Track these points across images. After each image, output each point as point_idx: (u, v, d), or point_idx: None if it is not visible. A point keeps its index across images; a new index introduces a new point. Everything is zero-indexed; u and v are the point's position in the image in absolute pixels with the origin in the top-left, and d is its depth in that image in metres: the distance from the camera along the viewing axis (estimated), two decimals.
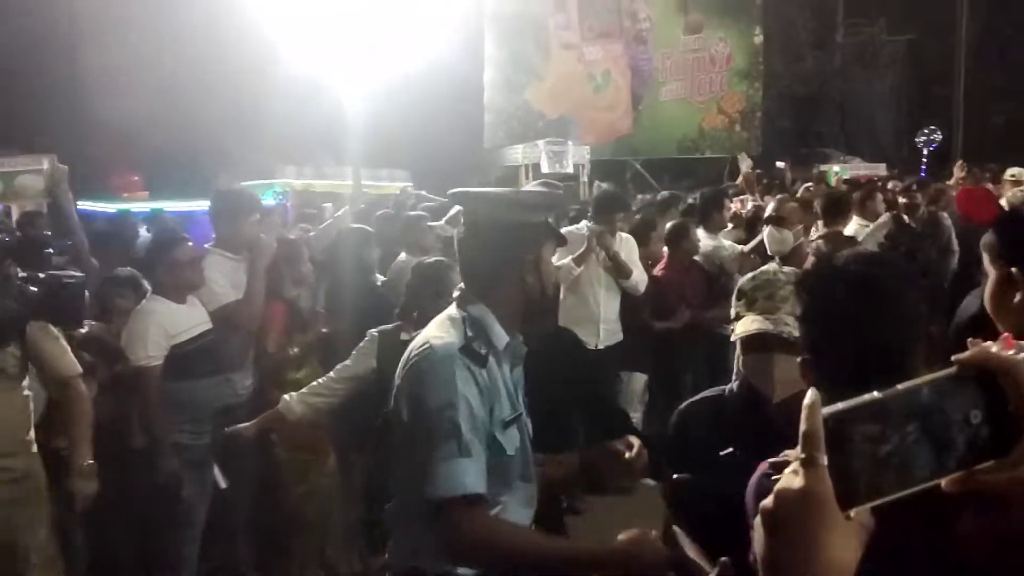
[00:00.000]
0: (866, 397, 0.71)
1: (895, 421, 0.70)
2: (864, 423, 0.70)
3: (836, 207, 5.87)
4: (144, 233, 8.43)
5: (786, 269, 2.16)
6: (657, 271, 5.57)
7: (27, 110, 13.65)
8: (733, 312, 2.12)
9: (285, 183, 11.82)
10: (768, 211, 4.05)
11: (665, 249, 5.73)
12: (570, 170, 14.14)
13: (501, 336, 1.93)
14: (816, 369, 1.35)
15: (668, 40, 19.63)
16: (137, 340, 3.74)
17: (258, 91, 13.07)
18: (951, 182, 9.64)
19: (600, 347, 5.01)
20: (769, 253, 4.19)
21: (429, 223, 5.69)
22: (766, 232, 4.04)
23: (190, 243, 4.10)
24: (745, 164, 7.58)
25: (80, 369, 3.32)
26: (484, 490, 1.81)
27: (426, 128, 14.34)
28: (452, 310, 1.98)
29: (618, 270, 5.06)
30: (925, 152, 20.80)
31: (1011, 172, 9.30)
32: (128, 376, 3.77)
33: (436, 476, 1.79)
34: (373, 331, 3.42)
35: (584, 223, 5.32)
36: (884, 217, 6.27)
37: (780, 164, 9.47)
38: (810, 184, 9.42)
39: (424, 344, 1.91)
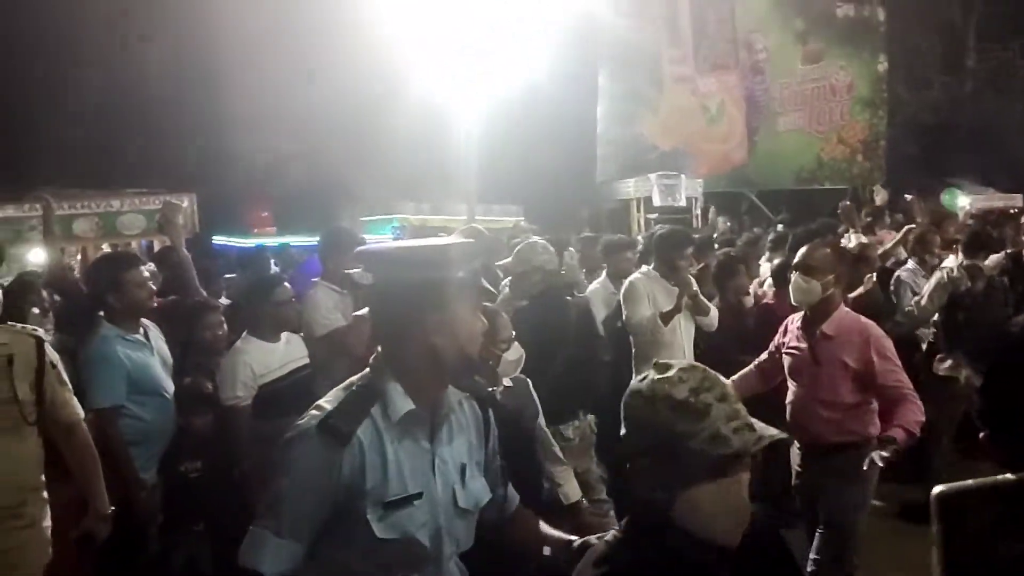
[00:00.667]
0: None
1: None
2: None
3: (976, 240, 5.75)
4: (273, 266, 8.87)
5: None
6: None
7: (167, 150, 14.67)
8: None
9: (403, 218, 12.26)
10: (798, 257, 3.80)
11: (765, 284, 5.67)
12: (683, 203, 14.03)
13: (398, 407, 1.77)
14: (1004, 447, 1.34)
15: (786, 70, 19.26)
16: (227, 380, 3.88)
17: (380, 129, 13.60)
18: None
19: None
20: (793, 303, 3.91)
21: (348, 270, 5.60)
22: (792, 279, 3.80)
23: (287, 284, 4.26)
24: (880, 197, 7.32)
25: (82, 413, 3.20)
26: (278, 572, 1.71)
27: (539, 162, 14.54)
28: (354, 377, 1.86)
29: (697, 308, 4.94)
30: None
31: None
32: (219, 415, 3.91)
33: (246, 541, 1.74)
34: None
35: (644, 267, 5.17)
36: (998, 256, 6.01)
37: (908, 197, 9.10)
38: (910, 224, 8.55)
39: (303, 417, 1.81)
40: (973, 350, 5.04)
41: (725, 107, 18.32)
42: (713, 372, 1.49)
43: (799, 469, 3.96)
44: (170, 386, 3.86)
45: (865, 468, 3.44)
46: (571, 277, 5.72)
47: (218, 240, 12.03)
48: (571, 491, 3.74)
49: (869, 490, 3.77)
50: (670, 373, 1.45)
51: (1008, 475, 1.36)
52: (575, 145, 16.12)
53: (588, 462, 4.41)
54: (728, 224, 10.06)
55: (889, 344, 3.74)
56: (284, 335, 4.08)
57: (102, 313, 3.76)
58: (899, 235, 7.44)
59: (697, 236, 6.68)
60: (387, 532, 1.74)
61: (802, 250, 3.92)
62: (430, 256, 1.82)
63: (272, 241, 11.28)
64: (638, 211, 14.17)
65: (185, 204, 10.59)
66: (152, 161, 13.89)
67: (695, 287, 4.83)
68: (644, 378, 1.50)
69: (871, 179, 20.42)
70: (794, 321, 3.99)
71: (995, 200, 15.99)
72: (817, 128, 19.82)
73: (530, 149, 14.24)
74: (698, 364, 1.51)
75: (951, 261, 5.76)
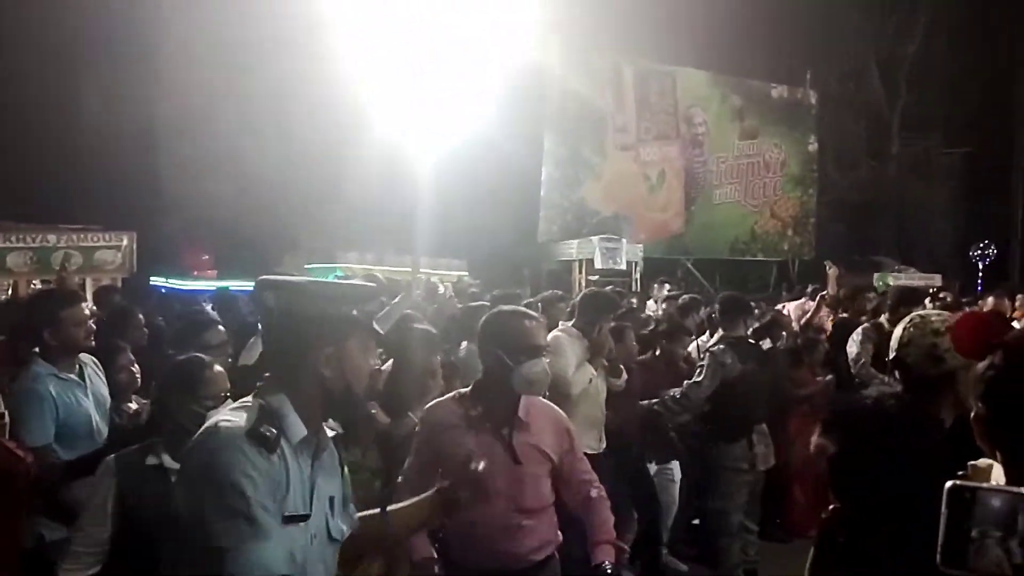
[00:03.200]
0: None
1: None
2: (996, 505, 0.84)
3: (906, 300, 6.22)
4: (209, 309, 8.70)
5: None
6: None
7: (107, 188, 14.43)
8: None
9: (346, 267, 12.25)
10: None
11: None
12: (623, 267, 14.36)
13: (297, 428, 1.83)
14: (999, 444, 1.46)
15: (723, 145, 20.08)
16: None
17: (325, 178, 13.65)
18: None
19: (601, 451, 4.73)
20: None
21: None
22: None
23: (220, 327, 4.10)
24: (833, 273, 7.73)
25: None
26: (287, 571, 1.73)
27: (484, 220, 14.75)
28: (247, 398, 1.89)
29: (612, 370, 5.02)
30: (980, 266, 20.68)
31: None
32: None
33: (239, 564, 1.67)
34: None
35: (562, 324, 5.14)
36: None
37: (828, 263, 9.51)
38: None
39: (208, 426, 1.80)
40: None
41: (665, 176, 18.94)
42: None
43: None
44: (104, 428, 3.69)
45: None
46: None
47: (156, 281, 11.83)
48: None
49: None
50: None
51: None
52: (520, 205, 16.43)
53: None
54: (668, 289, 10.37)
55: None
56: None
57: (37, 349, 3.60)
58: (815, 303, 7.85)
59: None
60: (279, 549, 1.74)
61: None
62: (328, 292, 1.94)
63: (211, 285, 11.13)
64: (580, 272, 14.45)
65: (124, 243, 10.48)
66: (91, 198, 13.63)
67: (608, 350, 4.89)
68: None
69: (801, 252, 21.28)
70: None
71: (915, 279, 16.75)
72: (751, 202, 20.65)
73: (476, 206, 14.46)
74: None
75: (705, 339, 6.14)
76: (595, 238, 14.47)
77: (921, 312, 2.53)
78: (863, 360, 6.29)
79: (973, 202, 24.75)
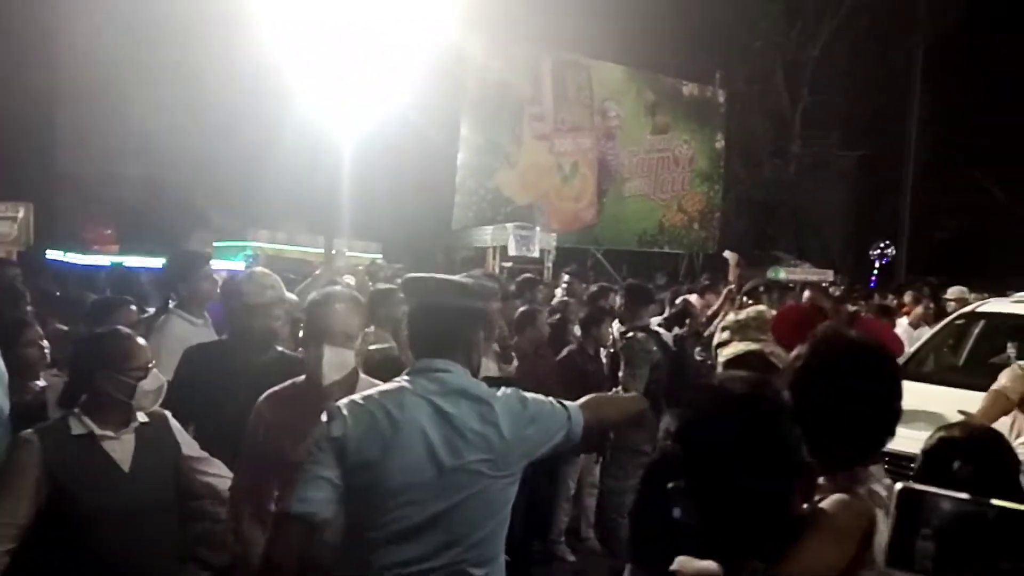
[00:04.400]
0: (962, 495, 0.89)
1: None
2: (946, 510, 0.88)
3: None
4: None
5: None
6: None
7: (4, 159, 13.74)
8: (718, 340, 2.47)
9: (257, 247, 11.98)
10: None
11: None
12: (536, 255, 14.57)
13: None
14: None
15: (635, 139, 20.55)
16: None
17: (233, 153, 13.33)
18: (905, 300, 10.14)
19: None
20: None
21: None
22: None
23: (132, 307, 4.00)
24: (733, 259, 8.02)
25: None
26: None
27: (400, 203, 14.72)
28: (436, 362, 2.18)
29: (504, 357, 5.23)
30: (877, 265, 21.88)
31: (953, 292, 9.81)
32: None
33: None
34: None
35: None
36: None
37: (727, 254, 9.89)
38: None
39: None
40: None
41: (579, 167, 19.26)
42: None
43: None
44: (6, 405, 3.53)
45: None
46: None
47: (52, 255, 11.34)
48: None
49: None
50: None
51: None
52: (435, 190, 16.43)
53: None
54: (569, 281, 10.61)
55: None
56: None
57: None
58: (721, 298, 8.17)
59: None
60: None
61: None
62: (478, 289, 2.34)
63: (108, 260, 10.71)
64: (494, 259, 14.59)
65: (20, 214, 10.04)
66: None
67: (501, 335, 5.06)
68: None
69: (705, 247, 22.02)
70: None
71: (809, 274, 17.59)
72: (660, 195, 21.21)
73: (393, 190, 14.40)
74: None
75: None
76: (509, 225, 14.62)
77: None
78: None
79: (867, 203, 26.13)
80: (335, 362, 2.54)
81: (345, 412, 2.06)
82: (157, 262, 10.63)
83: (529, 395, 2.22)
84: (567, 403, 2.27)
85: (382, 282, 7.07)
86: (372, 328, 5.34)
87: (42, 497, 2.48)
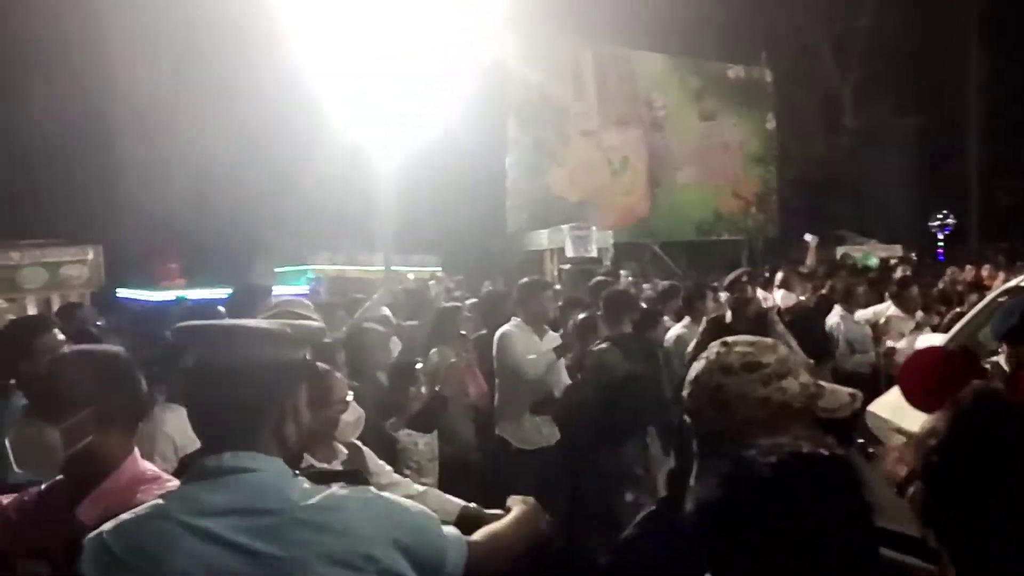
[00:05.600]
0: None
1: None
2: None
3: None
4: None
5: None
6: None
7: (69, 201, 14.10)
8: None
9: (319, 269, 12.11)
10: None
11: None
12: (594, 254, 14.40)
13: None
14: None
15: (683, 127, 20.22)
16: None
17: (292, 179, 13.47)
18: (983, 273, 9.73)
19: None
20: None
21: None
22: None
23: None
24: (813, 242, 7.77)
25: None
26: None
27: (454, 214, 14.69)
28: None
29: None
30: (940, 236, 21.15)
31: None
32: None
33: None
34: None
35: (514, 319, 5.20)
36: None
37: (808, 237, 9.52)
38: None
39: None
40: None
41: (628, 161, 19.03)
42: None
43: None
44: None
45: None
46: None
47: (123, 293, 11.58)
48: None
49: None
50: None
51: None
52: (487, 197, 16.40)
53: None
54: (630, 279, 10.38)
55: None
56: None
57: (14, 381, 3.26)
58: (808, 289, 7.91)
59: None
60: None
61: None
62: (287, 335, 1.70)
63: (175, 295, 10.87)
64: (551, 261, 14.47)
65: (90, 256, 10.23)
66: (53, 212, 13.30)
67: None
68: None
69: (765, 231, 21.57)
70: None
71: (877, 251, 17.07)
72: (713, 182, 20.83)
73: (445, 200, 14.40)
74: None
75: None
76: (565, 226, 14.48)
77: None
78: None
79: (926, 172, 25.28)
80: None
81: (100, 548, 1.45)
82: (222, 293, 10.88)
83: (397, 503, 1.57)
84: (449, 534, 1.63)
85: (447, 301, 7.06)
86: (435, 349, 5.29)
87: None
